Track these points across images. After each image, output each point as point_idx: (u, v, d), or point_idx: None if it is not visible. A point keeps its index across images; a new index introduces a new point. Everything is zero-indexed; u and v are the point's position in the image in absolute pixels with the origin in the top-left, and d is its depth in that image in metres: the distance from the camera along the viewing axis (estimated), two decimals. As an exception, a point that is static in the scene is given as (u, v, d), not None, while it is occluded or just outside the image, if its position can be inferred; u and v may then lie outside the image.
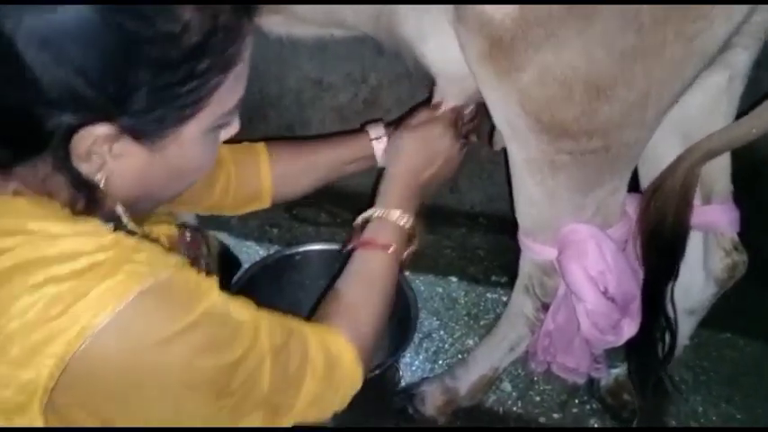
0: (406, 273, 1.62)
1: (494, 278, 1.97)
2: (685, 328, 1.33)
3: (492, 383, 1.53)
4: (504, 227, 2.07)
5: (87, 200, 0.73)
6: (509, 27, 0.86)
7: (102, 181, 0.71)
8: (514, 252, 2.01)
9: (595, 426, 1.61)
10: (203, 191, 1.14)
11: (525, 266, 1.26)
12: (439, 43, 1.04)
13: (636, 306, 1.15)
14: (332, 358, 0.89)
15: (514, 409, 1.63)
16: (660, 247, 1.16)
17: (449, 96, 1.13)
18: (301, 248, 1.56)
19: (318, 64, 1.95)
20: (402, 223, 1.07)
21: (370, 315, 0.97)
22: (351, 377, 0.92)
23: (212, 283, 0.77)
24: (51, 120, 0.65)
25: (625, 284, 1.12)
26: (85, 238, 0.68)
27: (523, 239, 1.21)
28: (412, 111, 1.22)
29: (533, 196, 1.09)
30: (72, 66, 0.63)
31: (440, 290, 1.92)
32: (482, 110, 1.16)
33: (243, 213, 1.27)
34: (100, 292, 0.65)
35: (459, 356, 1.74)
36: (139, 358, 0.68)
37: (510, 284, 1.92)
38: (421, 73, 1.88)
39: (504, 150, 1.08)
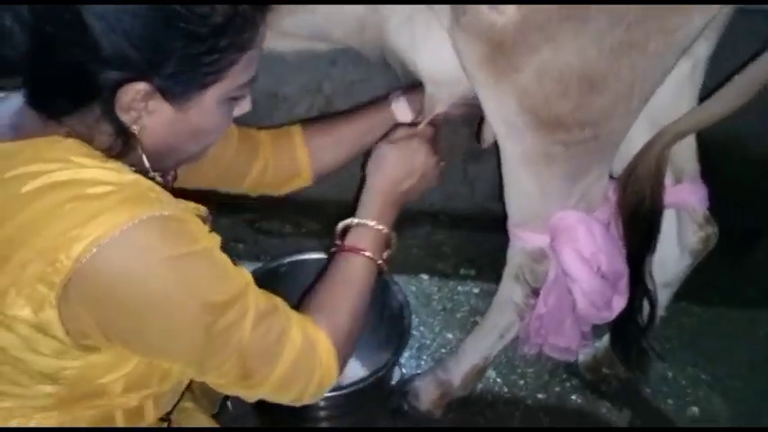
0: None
1: (462, 272, 2.04)
2: (662, 299, 1.43)
3: (483, 372, 1.59)
4: (463, 223, 2.18)
5: (123, 146, 0.87)
6: (510, 32, 0.92)
7: (138, 131, 0.86)
8: (478, 245, 2.11)
9: (577, 402, 1.70)
10: (245, 166, 1.28)
11: (515, 256, 1.33)
12: (430, 51, 1.09)
13: (624, 282, 1.24)
14: (309, 342, 0.96)
15: (501, 393, 1.70)
16: (640, 225, 1.25)
17: (438, 100, 1.18)
18: (287, 259, 1.57)
19: (273, 77, 1.96)
20: (380, 231, 1.13)
21: (347, 314, 1.03)
22: (326, 366, 0.98)
23: (216, 237, 0.90)
24: (103, 75, 0.81)
25: (615, 263, 1.20)
26: (111, 172, 0.82)
27: (514, 230, 1.27)
28: (393, 127, 1.27)
29: (526, 188, 1.16)
30: (123, 32, 0.78)
31: (413, 288, 1.97)
32: (467, 109, 1.21)
33: (287, 192, 1.37)
34: (112, 213, 0.78)
35: (443, 350, 1.80)
36: (139, 271, 0.80)
37: (478, 276, 2.03)
38: (374, 79, 1.96)
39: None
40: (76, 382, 0.90)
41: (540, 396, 1.71)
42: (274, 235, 2.13)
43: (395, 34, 1.10)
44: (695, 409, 1.68)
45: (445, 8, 1.00)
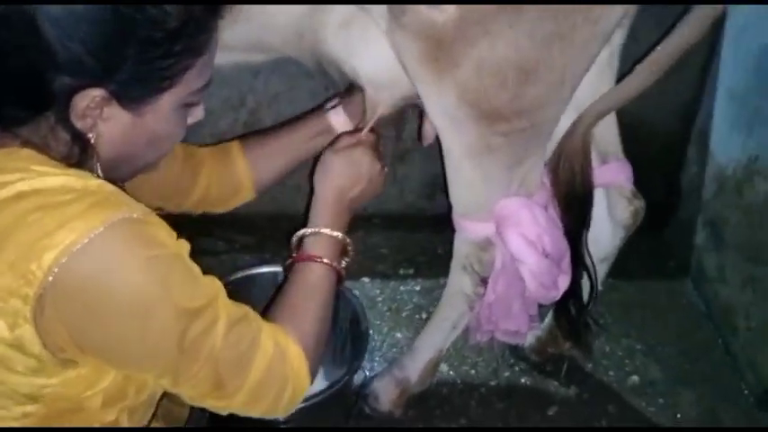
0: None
1: (402, 271, 2.08)
2: (600, 274, 1.52)
3: (438, 365, 1.63)
4: (397, 223, 2.22)
5: (80, 154, 0.86)
6: (450, 28, 0.97)
7: (94, 138, 0.86)
8: (414, 244, 2.16)
9: (527, 384, 1.76)
10: (189, 184, 1.28)
11: (461, 247, 1.38)
12: (368, 56, 1.13)
13: (567, 261, 1.31)
14: (280, 350, 0.97)
15: (455, 385, 1.75)
16: (574, 204, 1.33)
17: (378, 103, 1.21)
18: (241, 274, 1.56)
19: (195, 92, 1.94)
20: (335, 238, 1.15)
21: (312, 320, 1.05)
22: (297, 374, 0.98)
23: (185, 242, 0.90)
24: (57, 81, 0.80)
25: (558, 243, 1.27)
26: (75, 179, 0.82)
27: (459, 221, 1.32)
28: (337, 136, 1.29)
29: (469, 179, 1.21)
30: (78, 38, 0.78)
31: (356, 292, 1.97)
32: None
33: (232, 208, 1.36)
34: (81, 219, 0.78)
35: (394, 350, 1.82)
36: (111, 275, 0.80)
37: (418, 274, 2.07)
38: (298, 89, 1.97)
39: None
40: (55, 399, 0.88)
41: (492, 383, 1.76)
42: (208, 253, 2.09)
43: (332, 41, 1.13)
44: (635, 378, 1.78)
45: (382, 11, 1.04)
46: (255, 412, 0.98)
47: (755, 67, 1.71)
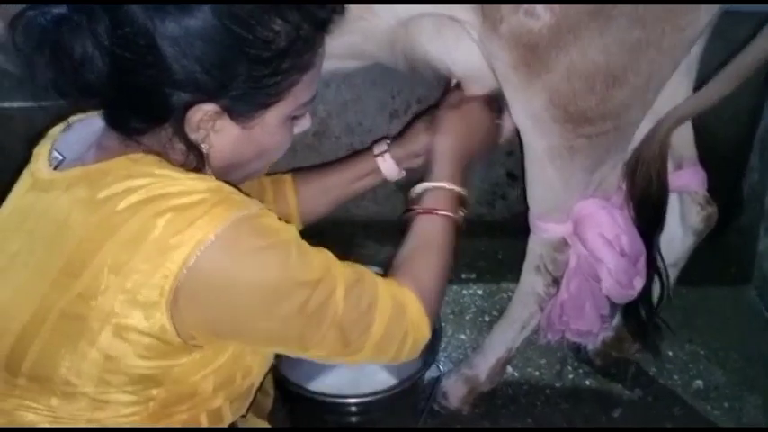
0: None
1: (464, 276, 2.12)
2: (670, 278, 1.54)
3: (507, 365, 1.67)
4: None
5: (197, 162, 0.93)
6: (544, 35, 1.02)
7: (206, 149, 0.93)
8: (474, 249, 2.19)
9: (591, 386, 1.79)
10: None
11: (536, 248, 1.42)
12: (460, 57, 1.20)
13: (642, 262, 1.35)
14: (399, 304, 1.02)
15: (521, 386, 1.78)
16: (649, 207, 1.36)
17: (472, 92, 1.28)
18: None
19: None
20: (453, 191, 1.19)
21: (431, 272, 1.10)
22: (418, 325, 1.04)
23: (292, 227, 0.97)
24: (174, 97, 0.87)
25: (635, 243, 1.31)
26: (198, 182, 0.88)
27: (537, 222, 1.36)
28: (449, 91, 1.34)
29: (550, 180, 1.26)
30: (194, 57, 0.84)
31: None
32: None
33: None
34: (208, 217, 0.85)
35: (458, 351, 1.87)
36: (238, 267, 0.88)
37: (479, 279, 2.10)
38: (366, 99, 2.03)
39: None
40: (176, 382, 0.94)
41: (557, 385, 1.79)
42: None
43: (427, 45, 1.20)
44: (699, 382, 1.80)
45: (473, 21, 1.10)
46: (382, 361, 1.06)
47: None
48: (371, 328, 0.98)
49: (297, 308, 0.91)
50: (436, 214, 1.16)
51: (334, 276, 0.96)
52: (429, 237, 1.14)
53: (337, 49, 1.19)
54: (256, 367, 1.06)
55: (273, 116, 0.95)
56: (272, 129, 0.96)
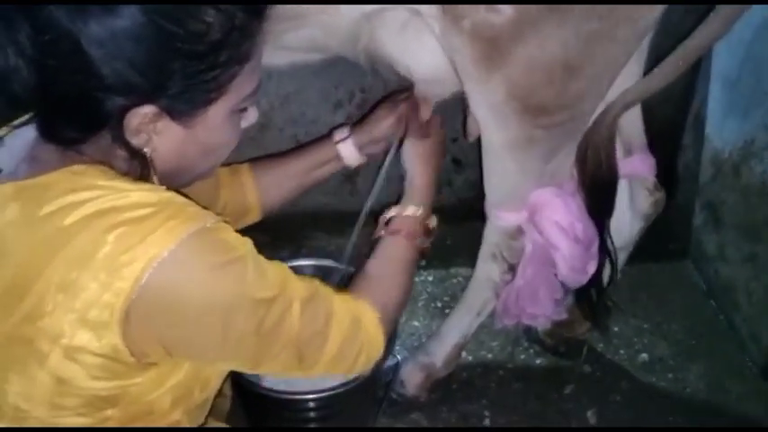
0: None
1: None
2: (619, 262, 1.58)
3: (462, 350, 1.69)
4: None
5: (141, 169, 0.89)
6: (505, 29, 1.02)
7: (149, 153, 0.88)
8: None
9: (542, 365, 1.83)
10: (212, 201, 1.26)
11: (491, 236, 1.43)
12: (421, 56, 1.20)
13: (595, 247, 1.38)
14: (354, 319, 1.01)
15: (475, 369, 1.81)
16: (599, 191, 1.39)
17: (429, 95, 1.28)
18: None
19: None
20: (424, 219, 1.23)
21: (391, 288, 1.11)
22: (372, 339, 1.04)
23: (249, 240, 0.93)
24: (108, 102, 0.82)
25: (588, 230, 1.34)
26: (148, 193, 0.84)
27: (492, 210, 1.37)
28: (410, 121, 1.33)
29: (507, 170, 1.27)
30: (123, 58, 0.79)
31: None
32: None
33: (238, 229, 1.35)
34: (161, 232, 0.81)
35: (412, 338, 1.88)
36: (192, 285, 0.84)
37: (429, 266, 2.11)
38: (309, 90, 1.99)
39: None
40: (131, 402, 0.91)
41: (509, 365, 1.83)
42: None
43: (388, 43, 1.18)
44: (644, 355, 1.87)
45: (435, 15, 1.08)
46: (335, 373, 1.05)
47: (747, 53, 1.80)
48: (326, 344, 0.97)
49: (253, 327, 0.89)
50: (403, 236, 1.18)
51: (290, 292, 0.93)
52: (393, 257, 1.16)
53: (299, 42, 1.16)
54: (215, 379, 1.03)
55: (216, 112, 0.89)
56: (216, 125, 0.90)
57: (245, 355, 0.93)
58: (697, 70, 2.03)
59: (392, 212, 1.23)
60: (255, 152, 1.85)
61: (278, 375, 1.02)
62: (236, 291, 0.87)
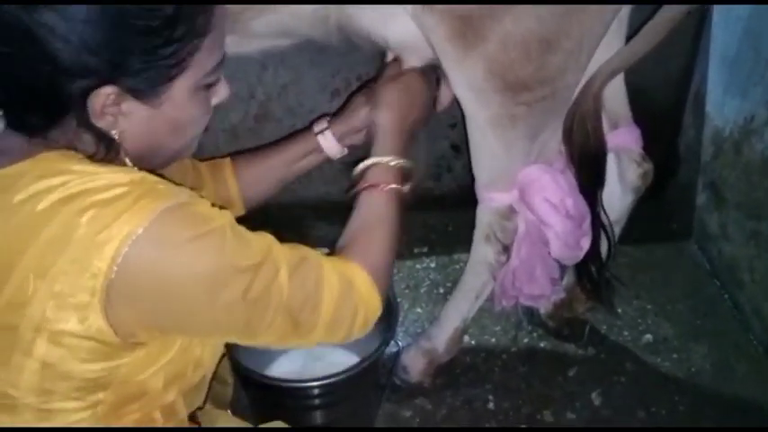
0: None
1: (416, 250, 2.14)
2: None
3: (464, 334, 1.70)
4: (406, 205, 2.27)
5: (107, 152, 0.89)
6: (477, 6, 1.02)
7: (117, 135, 0.88)
8: (424, 223, 2.21)
9: (546, 348, 1.83)
10: None
11: (484, 217, 1.44)
12: (396, 27, 1.19)
13: (587, 223, 1.38)
14: (346, 280, 1.00)
15: (478, 354, 1.81)
16: (588, 163, 1.39)
17: (409, 63, 1.28)
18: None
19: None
20: (398, 166, 1.18)
21: (378, 245, 1.09)
22: (368, 299, 1.03)
23: (228, 212, 0.93)
24: (68, 86, 0.82)
25: (579, 205, 1.34)
26: (119, 174, 0.84)
27: (483, 192, 1.38)
28: (386, 66, 1.33)
29: (493, 149, 1.27)
30: (76, 41, 0.79)
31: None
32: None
33: None
34: (134, 210, 0.81)
35: (416, 324, 1.89)
36: (171, 259, 0.84)
37: (431, 252, 2.12)
38: (306, 80, 2.02)
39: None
40: (123, 382, 0.92)
41: (513, 349, 1.83)
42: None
43: (363, 18, 1.19)
44: (649, 336, 1.86)
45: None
46: (336, 340, 1.04)
47: (745, 31, 1.79)
48: (320, 307, 0.97)
49: (239, 295, 0.89)
50: (380, 189, 1.14)
51: (275, 259, 0.93)
52: (374, 212, 1.13)
53: (266, 27, 1.18)
54: (207, 357, 1.03)
55: (181, 88, 0.89)
56: (182, 102, 0.90)
57: (238, 325, 0.93)
58: (696, 49, 2.02)
59: (363, 165, 1.19)
60: (254, 143, 1.88)
61: (278, 345, 1.00)
62: (216, 261, 0.87)
